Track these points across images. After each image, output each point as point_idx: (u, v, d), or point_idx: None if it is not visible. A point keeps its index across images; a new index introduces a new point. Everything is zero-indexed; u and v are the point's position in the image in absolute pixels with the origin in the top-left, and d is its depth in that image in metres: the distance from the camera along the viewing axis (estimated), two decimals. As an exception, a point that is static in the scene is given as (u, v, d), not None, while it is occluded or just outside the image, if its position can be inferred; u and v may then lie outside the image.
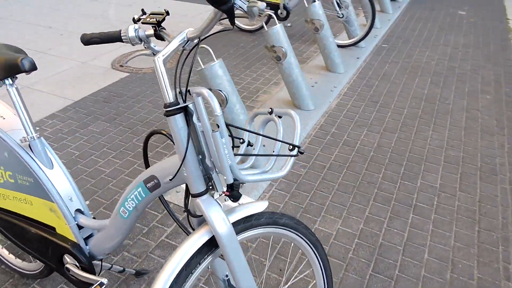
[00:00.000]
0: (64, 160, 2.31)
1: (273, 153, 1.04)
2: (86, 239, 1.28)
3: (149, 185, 1.04)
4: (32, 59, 1.12)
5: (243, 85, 3.22)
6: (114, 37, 1.06)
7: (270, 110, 1.12)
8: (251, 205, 1.06)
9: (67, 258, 1.27)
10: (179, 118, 0.90)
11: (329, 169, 2.25)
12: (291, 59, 2.66)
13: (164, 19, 1.03)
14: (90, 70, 3.50)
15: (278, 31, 2.58)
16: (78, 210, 1.27)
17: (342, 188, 2.12)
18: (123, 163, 2.29)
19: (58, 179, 1.25)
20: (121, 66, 3.58)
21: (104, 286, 1.16)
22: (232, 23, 0.84)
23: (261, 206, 1.07)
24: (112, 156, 2.35)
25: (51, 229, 1.29)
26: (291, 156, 1.03)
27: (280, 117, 1.09)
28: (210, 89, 1.02)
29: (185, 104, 0.90)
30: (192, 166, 0.93)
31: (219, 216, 0.95)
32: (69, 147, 2.43)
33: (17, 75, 1.18)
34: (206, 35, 0.97)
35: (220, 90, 2.05)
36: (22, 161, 1.20)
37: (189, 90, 0.91)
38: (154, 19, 1.02)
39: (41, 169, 1.22)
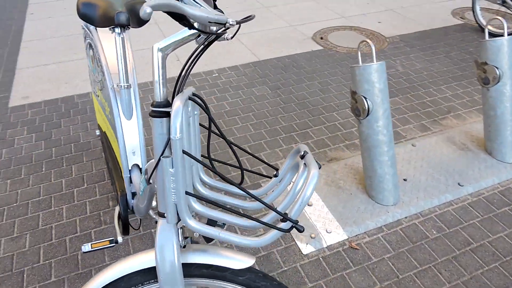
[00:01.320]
0: (213, 111, 2.47)
1: (249, 216, 0.76)
2: (134, 194, 1.33)
3: (146, 176, 0.95)
4: (127, 15, 1.12)
5: (433, 99, 2.60)
6: None
7: (303, 153, 0.81)
8: (231, 256, 0.83)
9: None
10: (162, 123, 0.74)
11: None
12: (505, 88, 1.91)
13: None
14: (292, 34, 3.53)
15: (502, 44, 1.87)
16: (136, 165, 1.32)
17: None
18: (256, 134, 2.27)
19: (130, 131, 1.31)
20: (321, 38, 3.46)
21: (114, 244, 1.19)
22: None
23: (242, 263, 0.83)
24: (251, 122, 2.36)
25: (120, 171, 1.40)
26: (278, 230, 0.72)
27: (305, 164, 0.78)
28: (194, 94, 0.79)
29: (168, 110, 0.73)
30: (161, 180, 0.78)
31: (168, 249, 0.78)
32: (224, 100, 2.58)
33: (129, 27, 1.23)
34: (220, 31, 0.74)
35: (365, 97, 1.68)
36: (110, 103, 1.31)
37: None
38: None
39: (119, 116, 1.30)
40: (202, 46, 0.77)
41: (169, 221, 0.74)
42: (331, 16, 3.92)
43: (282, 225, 0.72)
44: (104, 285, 0.80)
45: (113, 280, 0.80)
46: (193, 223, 0.73)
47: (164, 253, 0.78)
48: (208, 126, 0.84)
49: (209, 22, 0.57)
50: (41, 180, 1.96)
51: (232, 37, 0.98)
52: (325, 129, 2.32)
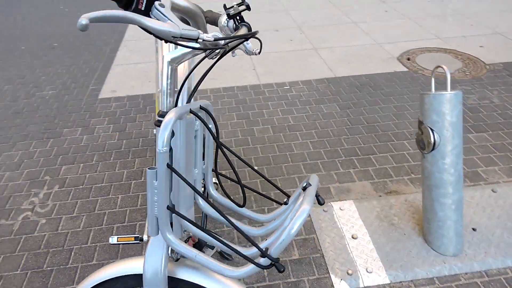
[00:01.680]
0: (275, 124, 2.45)
1: (228, 244, 0.71)
2: None
3: None
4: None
5: (532, 140, 2.22)
6: (211, 20, 0.94)
7: (305, 185, 0.74)
8: (221, 281, 0.79)
9: None
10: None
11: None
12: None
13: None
14: (376, 52, 3.35)
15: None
16: None
17: None
18: (314, 153, 2.19)
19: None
20: (408, 59, 3.22)
21: (139, 242, 1.23)
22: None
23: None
24: (312, 140, 2.28)
25: None
26: (255, 264, 0.66)
27: (304, 189, 0.72)
28: (201, 107, 0.76)
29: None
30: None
31: (155, 260, 0.77)
32: (289, 114, 2.53)
33: None
34: (229, 45, 0.70)
35: (432, 130, 1.50)
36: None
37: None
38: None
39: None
40: (209, 58, 0.76)
41: (150, 233, 0.72)
42: (424, 36, 3.63)
43: (261, 260, 0.65)
44: (96, 283, 0.82)
45: (105, 280, 0.82)
46: (172, 239, 0.71)
47: (151, 263, 0.77)
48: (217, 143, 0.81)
49: (173, 36, 0.54)
50: (107, 168, 2.13)
51: (259, 52, 0.94)
52: (390, 157, 2.13)
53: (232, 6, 0.96)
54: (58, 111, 2.68)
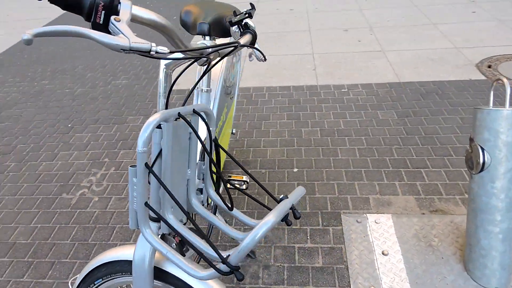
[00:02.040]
0: (324, 127, 2.39)
1: (193, 246, 0.71)
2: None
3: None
4: (208, 26, 1.20)
5: None
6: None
7: (281, 197, 0.73)
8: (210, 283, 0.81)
9: None
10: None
11: None
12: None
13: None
14: (452, 58, 3.07)
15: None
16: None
17: None
18: (360, 160, 2.09)
19: (201, 132, 1.40)
20: (488, 66, 2.90)
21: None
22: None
23: (207, 287, 0.80)
24: (360, 147, 2.18)
25: None
26: (215, 269, 0.67)
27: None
28: (195, 111, 0.78)
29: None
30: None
31: (144, 249, 0.82)
32: (342, 118, 2.45)
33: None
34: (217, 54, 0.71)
35: (482, 148, 1.35)
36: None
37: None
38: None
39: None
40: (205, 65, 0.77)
41: (130, 225, 0.77)
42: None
43: (222, 266, 0.66)
44: (95, 267, 0.91)
45: (101, 264, 0.89)
46: (147, 235, 0.75)
47: (140, 251, 0.82)
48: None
49: (122, 49, 0.57)
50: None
51: (264, 59, 0.94)
52: (444, 173, 1.96)
53: (242, 13, 0.98)
54: (127, 99, 2.93)
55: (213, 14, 1.24)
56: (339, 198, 1.87)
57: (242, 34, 0.98)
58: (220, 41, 1.48)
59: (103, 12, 0.57)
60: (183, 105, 0.81)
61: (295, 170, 2.07)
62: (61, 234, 1.81)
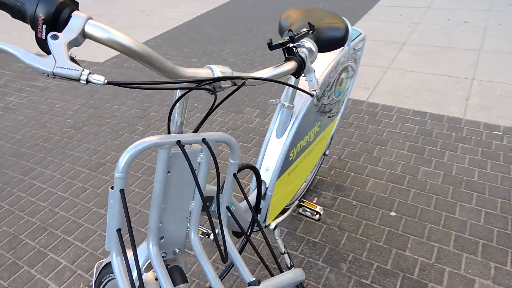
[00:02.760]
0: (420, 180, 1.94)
1: None
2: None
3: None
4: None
5: None
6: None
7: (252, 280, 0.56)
8: None
9: None
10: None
11: None
12: None
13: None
14: None
15: None
16: (263, 182, 1.29)
17: None
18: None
19: (275, 149, 1.27)
20: None
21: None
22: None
23: None
24: (467, 205, 1.70)
25: None
26: None
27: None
28: (205, 141, 0.63)
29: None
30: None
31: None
32: (456, 162, 1.95)
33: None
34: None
35: None
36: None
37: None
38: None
39: (271, 131, 1.29)
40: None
41: (106, 246, 0.71)
42: None
43: None
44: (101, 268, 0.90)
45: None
46: (114, 263, 0.68)
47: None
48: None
49: (44, 73, 0.47)
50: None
51: (311, 95, 0.77)
52: None
53: (299, 34, 0.80)
54: (251, 91, 2.97)
55: (304, 24, 1.08)
56: (434, 267, 1.50)
57: (285, 60, 0.81)
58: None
59: (44, 26, 0.49)
60: (195, 131, 0.71)
61: (392, 214, 1.75)
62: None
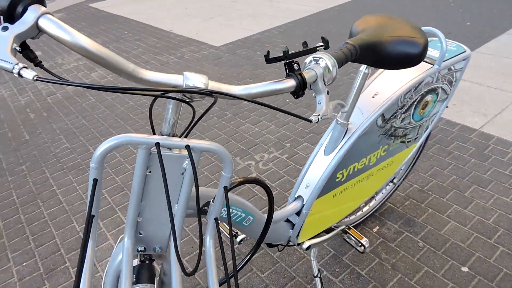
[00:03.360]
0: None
1: None
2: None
3: None
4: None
5: None
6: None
7: None
8: None
9: None
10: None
11: None
12: None
13: None
14: None
15: None
16: (301, 198, 1.21)
17: None
18: None
19: (319, 166, 1.18)
20: None
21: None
22: None
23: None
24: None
25: None
26: None
27: None
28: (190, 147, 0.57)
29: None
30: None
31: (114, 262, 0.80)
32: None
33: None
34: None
35: None
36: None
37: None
38: None
39: (319, 146, 1.19)
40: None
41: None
42: None
43: None
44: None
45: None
46: (90, 245, 0.70)
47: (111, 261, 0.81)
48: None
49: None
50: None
51: (314, 122, 0.69)
52: None
53: (311, 48, 0.70)
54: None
55: (371, 35, 0.94)
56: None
57: (286, 77, 0.70)
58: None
59: (1, 17, 0.51)
60: (184, 136, 0.68)
61: (464, 269, 1.47)
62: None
